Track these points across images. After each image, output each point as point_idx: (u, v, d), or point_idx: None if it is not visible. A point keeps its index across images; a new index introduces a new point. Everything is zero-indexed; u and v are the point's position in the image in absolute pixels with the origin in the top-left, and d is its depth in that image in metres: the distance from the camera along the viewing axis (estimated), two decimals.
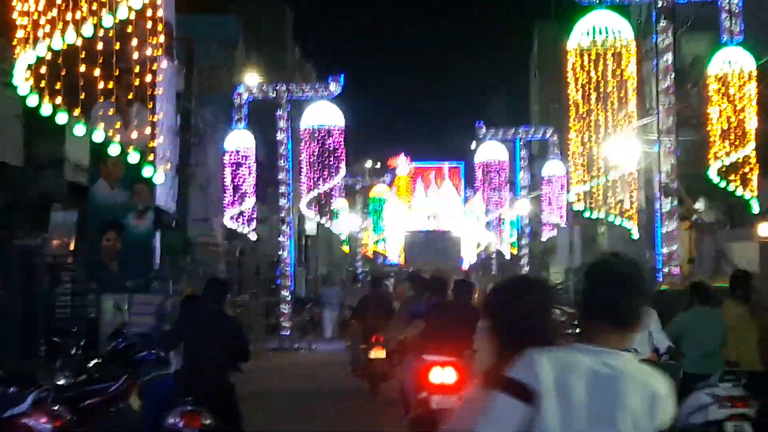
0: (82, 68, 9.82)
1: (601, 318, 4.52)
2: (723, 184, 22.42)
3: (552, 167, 43.50)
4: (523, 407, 4.38)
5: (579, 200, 24.06)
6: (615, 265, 4.68)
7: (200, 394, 12.53)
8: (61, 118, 9.96)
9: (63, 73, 9.73)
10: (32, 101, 9.72)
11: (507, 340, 5.00)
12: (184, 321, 13.88)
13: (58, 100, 9.77)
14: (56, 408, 12.31)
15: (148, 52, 10.54)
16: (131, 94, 10.79)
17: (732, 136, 21.71)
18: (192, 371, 12.91)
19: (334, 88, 32.96)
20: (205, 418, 12.08)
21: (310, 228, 55.91)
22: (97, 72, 9.89)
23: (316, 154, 33.52)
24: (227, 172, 33.73)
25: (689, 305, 14.68)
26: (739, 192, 22.22)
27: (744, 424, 12.54)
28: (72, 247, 23.35)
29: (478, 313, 16.02)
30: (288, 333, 32.33)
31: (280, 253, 35.41)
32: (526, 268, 45.46)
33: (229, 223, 34.81)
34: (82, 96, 9.93)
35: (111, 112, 10.82)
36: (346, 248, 65.40)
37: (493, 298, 5.43)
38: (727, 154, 21.75)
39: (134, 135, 11.39)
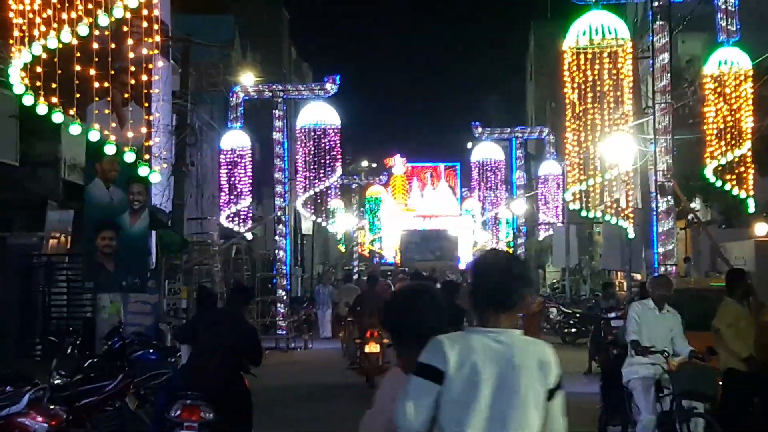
0: (78, 68, 9.83)
1: (486, 304, 5.31)
2: (719, 184, 22.43)
3: (548, 167, 43.64)
4: (434, 386, 5.12)
5: (575, 199, 24.08)
6: (493, 259, 5.62)
7: (203, 389, 12.51)
8: (57, 118, 9.97)
9: (59, 72, 9.73)
10: (28, 100, 9.73)
11: (407, 342, 5.58)
12: (199, 317, 13.84)
13: (54, 99, 9.78)
14: (52, 407, 12.31)
15: (144, 51, 10.54)
16: (127, 93, 10.80)
17: (728, 136, 21.72)
18: (197, 367, 12.92)
19: (330, 88, 33.00)
20: (205, 412, 12.04)
21: (306, 227, 55.94)
22: (92, 71, 9.91)
23: (312, 153, 33.61)
24: (223, 171, 33.82)
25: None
26: (735, 191, 22.23)
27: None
28: (68, 246, 23.36)
29: (456, 286, 19.35)
30: (284, 332, 32.35)
31: (276, 252, 35.45)
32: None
33: (225, 222, 34.85)
34: (78, 95, 9.95)
35: (107, 111, 10.83)
36: (342, 248, 65.49)
37: (387, 313, 5.93)
38: (723, 153, 21.76)
39: (130, 134, 11.39)
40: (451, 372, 5.11)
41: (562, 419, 5.31)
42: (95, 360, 14.72)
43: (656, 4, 21.89)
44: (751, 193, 22.38)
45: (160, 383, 14.06)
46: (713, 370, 10.92)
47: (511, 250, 51.00)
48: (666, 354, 11.16)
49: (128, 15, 9.62)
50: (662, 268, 21.19)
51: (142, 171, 12.45)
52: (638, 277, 30.98)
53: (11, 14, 9.57)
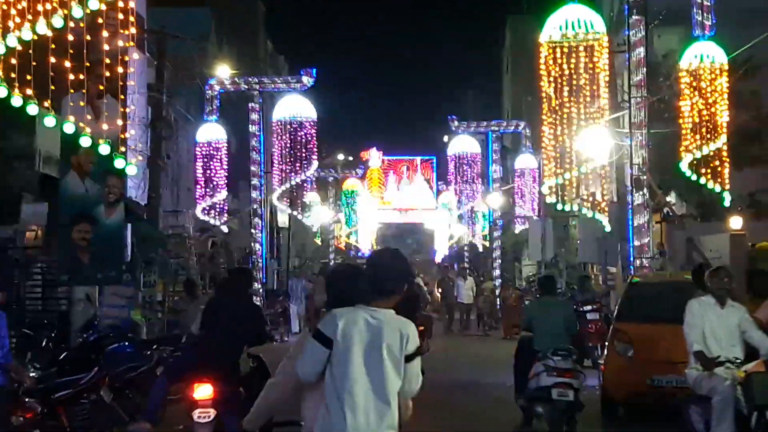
0: (53, 60, 9.80)
1: (371, 290, 6.97)
2: (694, 178, 22.52)
3: (524, 160, 43.72)
4: (325, 351, 6.73)
5: (551, 193, 24.15)
6: (379, 257, 7.50)
7: (213, 367, 12.87)
8: (32, 110, 9.93)
9: (33, 64, 9.71)
10: (2, 92, 9.68)
11: (333, 305, 7.06)
12: (217, 303, 13.80)
13: (29, 91, 9.75)
14: (27, 400, 12.30)
15: (120, 44, 10.52)
16: (102, 86, 10.78)
17: (703, 130, 21.80)
18: (210, 347, 13.17)
19: (307, 81, 33.03)
20: (213, 388, 12.64)
21: (282, 220, 55.84)
22: (67, 64, 9.89)
23: (288, 146, 33.63)
24: (199, 164, 33.79)
25: (540, 295, 17.77)
26: (711, 185, 22.34)
27: (568, 392, 14.76)
28: (43, 239, 23.28)
29: (415, 298, 20.65)
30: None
31: (252, 245, 35.47)
32: (499, 261, 45.78)
33: (201, 215, 34.81)
34: (53, 87, 9.92)
35: (82, 103, 10.80)
36: (318, 241, 65.50)
37: (329, 282, 7.62)
38: (699, 147, 21.85)
39: (105, 127, 11.37)
40: (338, 338, 6.71)
41: (416, 377, 6.91)
42: (70, 353, 14.69)
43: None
44: (727, 187, 22.50)
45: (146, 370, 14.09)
46: None
47: (487, 243, 51.21)
48: (737, 360, 9.91)
49: (103, 7, 9.59)
50: (637, 261, 21.33)
51: (118, 163, 12.42)
52: (614, 269, 31.09)
53: None
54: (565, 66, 22.41)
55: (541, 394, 15.12)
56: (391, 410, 6.73)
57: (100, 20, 9.83)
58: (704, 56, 21.81)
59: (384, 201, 73.99)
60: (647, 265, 21.48)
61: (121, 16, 10.08)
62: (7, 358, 11.74)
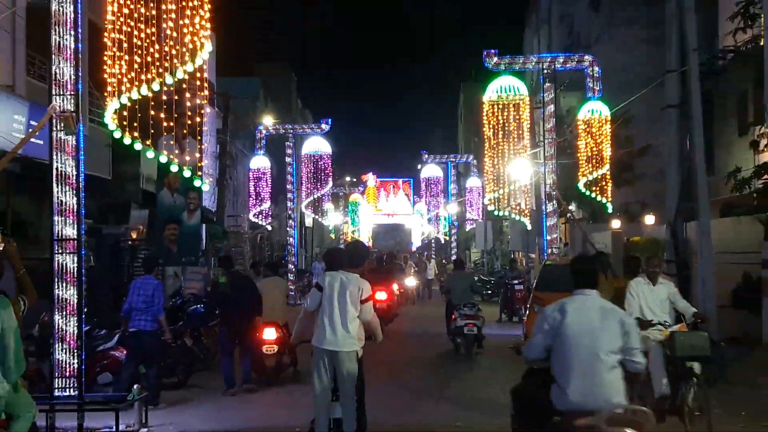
0: (152, 112, 9.75)
1: (347, 263, 8.32)
2: (588, 193, 22.59)
3: (472, 181, 43.62)
4: (319, 294, 8.12)
5: (491, 203, 24.20)
6: (352, 245, 9.10)
7: (235, 329, 12.87)
8: (137, 147, 9.90)
9: (138, 115, 9.67)
10: (117, 134, 9.66)
11: (334, 269, 8.27)
12: (232, 286, 13.66)
13: (135, 134, 9.70)
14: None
15: (197, 101, 10.45)
16: (185, 130, 10.69)
17: (593, 161, 21.80)
18: (233, 322, 13.02)
19: (324, 127, 32.91)
20: (275, 330, 13.36)
21: (308, 222, 55.88)
22: (162, 115, 9.81)
23: (311, 172, 33.49)
24: (251, 184, 33.68)
25: (454, 270, 19.90)
26: (599, 198, 22.39)
27: (474, 328, 17.03)
28: (144, 235, 23.24)
29: (390, 271, 24.90)
30: (293, 293, 32.31)
31: (287, 239, 35.47)
32: (455, 250, 45.82)
33: (252, 218, 34.79)
34: (152, 131, 9.86)
35: (171, 142, 10.74)
36: (332, 236, 65.56)
37: (325, 258, 9.14)
38: (590, 173, 21.89)
39: (187, 158, 11.32)
40: (326, 287, 8.10)
41: (368, 311, 8.09)
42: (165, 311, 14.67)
43: (545, 71, 21.97)
44: (609, 200, 22.55)
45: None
46: (702, 334, 9.13)
47: (447, 237, 51.23)
48: (666, 323, 9.50)
49: (186, 77, 9.54)
50: (549, 250, 21.29)
51: (196, 183, 12.37)
52: (533, 255, 31.11)
53: (106, 76, 9.50)
54: (500, 117, 22.42)
55: (458, 330, 17.20)
56: (351, 328, 7.95)
57: (184, 85, 9.77)
58: (594, 111, 21.84)
59: (377, 209, 74.00)
60: (555, 252, 21.43)
61: (198, 82, 10.00)
62: (160, 312, 11.91)
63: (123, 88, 9.24)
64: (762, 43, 18.58)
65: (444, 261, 48.53)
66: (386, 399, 11.43)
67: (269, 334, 13.27)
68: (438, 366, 16.12)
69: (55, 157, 9.66)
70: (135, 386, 10.44)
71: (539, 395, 5.78)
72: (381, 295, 22.87)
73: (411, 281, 33.98)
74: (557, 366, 5.69)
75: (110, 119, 9.50)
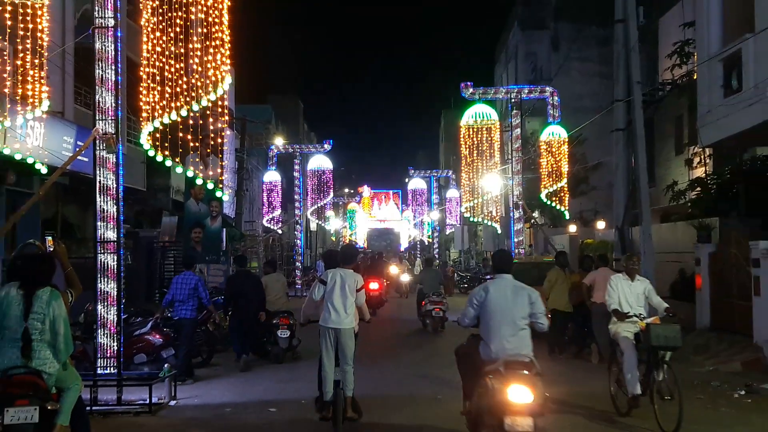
0: (180, 134, 9.76)
1: (342, 261, 8.69)
2: (548, 202, 22.62)
3: (451, 192, 43.63)
4: (323, 287, 8.42)
5: (467, 211, 24.23)
6: (346, 247, 9.33)
7: (247, 321, 13.09)
8: (168, 163, 9.90)
9: (169, 137, 9.68)
10: (151, 153, 9.67)
11: (331, 266, 8.73)
12: (237, 281, 13.84)
13: (166, 152, 9.71)
14: (166, 330, 12.28)
15: (219, 125, 10.46)
16: (209, 149, 10.69)
17: (553, 176, 21.84)
18: (241, 309, 13.29)
19: (327, 147, 32.93)
20: (287, 317, 13.74)
21: (313, 227, 55.79)
22: (189, 136, 9.82)
23: (315, 184, 33.48)
24: (265, 194, 33.64)
25: (424, 267, 20.67)
26: (558, 207, 22.43)
27: (440, 312, 18.37)
28: (174, 237, 23.17)
29: (381, 267, 27.31)
30: (299, 286, 32.29)
31: (295, 240, 35.43)
32: (437, 250, 45.82)
33: (265, 223, 34.73)
34: (180, 150, 9.86)
35: (197, 159, 10.74)
36: (333, 238, 65.49)
37: (324, 258, 9.81)
38: (551, 185, 21.90)
39: (210, 173, 11.32)
40: (328, 281, 8.41)
41: (362, 296, 8.47)
42: None
43: (513, 100, 22.04)
44: (567, 207, 22.59)
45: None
46: (675, 326, 8.70)
47: (430, 240, 51.22)
48: (642, 315, 9.05)
49: (209, 104, 9.56)
50: (516, 250, 21.32)
51: (218, 193, 12.36)
52: None
53: (141, 103, 9.52)
54: (474, 139, 22.47)
55: (428, 313, 18.60)
56: (349, 312, 8.38)
57: (208, 111, 9.78)
58: (554, 133, 21.85)
59: (371, 215, 73.74)
60: (522, 252, 21.48)
61: (219, 109, 10.02)
62: (207, 302, 12.38)
63: (156, 114, 9.26)
64: (695, 77, 18.71)
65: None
66: (371, 373, 11.49)
67: (284, 321, 13.71)
68: (411, 340, 17.50)
69: (98, 172, 9.69)
70: (165, 365, 10.46)
71: (471, 351, 7.02)
72: (374, 285, 23.99)
73: (406, 277, 33.79)
74: (484, 329, 6.85)
75: (145, 140, 9.51)
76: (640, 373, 8.79)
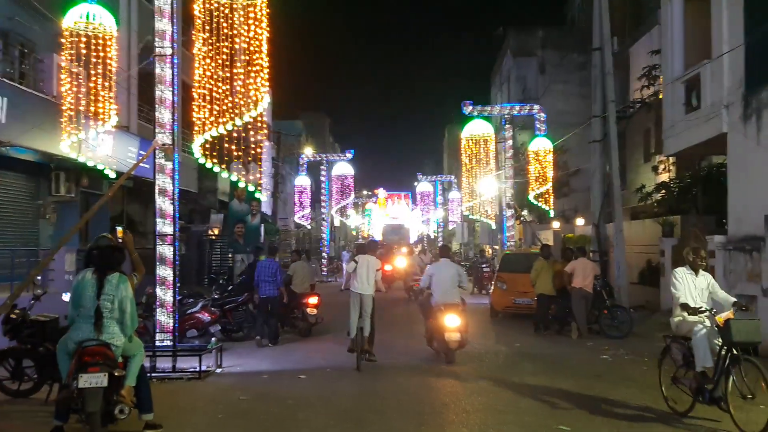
0: (226, 144, 9.80)
1: (367, 250, 10.89)
2: (536, 203, 22.55)
3: (454, 194, 43.59)
4: (355, 265, 10.27)
5: (467, 210, 24.19)
6: (368, 241, 10.06)
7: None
8: (216, 169, 9.96)
9: (217, 147, 9.72)
10: (202, 160, 9.73)
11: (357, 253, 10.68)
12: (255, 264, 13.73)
13: (215, 160, 9.77)
14: (213, 309, 12.34)
15: (258, 137, 10.51)
16: (250, 157, 10.72)
17: (540, 180, 21.81)
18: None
19: (349, 155, 33.01)
20: (317, 297, 13.86)
21: (337, 223, 55.73)
22: (233, 146, 9.87)
23: (339, 187, 33.54)
24: (296, 196, 33.74)
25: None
26: (544, 206, 22.36)
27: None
28: (220, 231, 23.29)
29: (392, 255, 26.90)
30: (326, 274, 32.32)
31: (321, 234, 35.50)
32: (441, 243, 45.72)
33: (297, 220, 34.83)
34: (226, 158, 9.91)
35: (240, 166, 10.77)
36: (354, 233, 65.52)
37: (356, 247, 11.42)
38: (538, 188, 21.85)
39: (251, 177, 11.36)
40: (359, 262, 10.23)
41: (379, 275, 10.53)
42: (233, 286, 14.72)
43: (506, 117, 22.00)
44: (551, 207, 22.49)
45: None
46: (756, 321, 6.76)
47: (435, 234, 51.12)
48: (714, 311, 6.95)
49: (251, 120, 9.61)
50: (508, 243, 21.26)
51: (257, 195, 12.41)
52: (496, 247, 31.03)
53: (193, 119, 9.57)
54: (473, 149, 22.42)
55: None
56: (370, 283, 10.33)
57: (249, 126, 9.83)
58: (541, 145, 21.82)
59: (386, 214, 73.88)
60: (512, 245, 21.43)
61: (259, 124, 10.06)
62: (280, 283, 12.71)
63: (205, 128, 9.32)
64: (660, 96, 18.57)
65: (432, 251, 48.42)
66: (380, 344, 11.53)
67: (312, 301, 13.72)
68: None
69: (157, 177, 9.77)
70: (212, 339, 10.52)
71: (426, 300, 10.98)
72: (388, 267, 24.40)
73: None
74: (434, 288, 10.75)
75: (197, 150, 9.58)
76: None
